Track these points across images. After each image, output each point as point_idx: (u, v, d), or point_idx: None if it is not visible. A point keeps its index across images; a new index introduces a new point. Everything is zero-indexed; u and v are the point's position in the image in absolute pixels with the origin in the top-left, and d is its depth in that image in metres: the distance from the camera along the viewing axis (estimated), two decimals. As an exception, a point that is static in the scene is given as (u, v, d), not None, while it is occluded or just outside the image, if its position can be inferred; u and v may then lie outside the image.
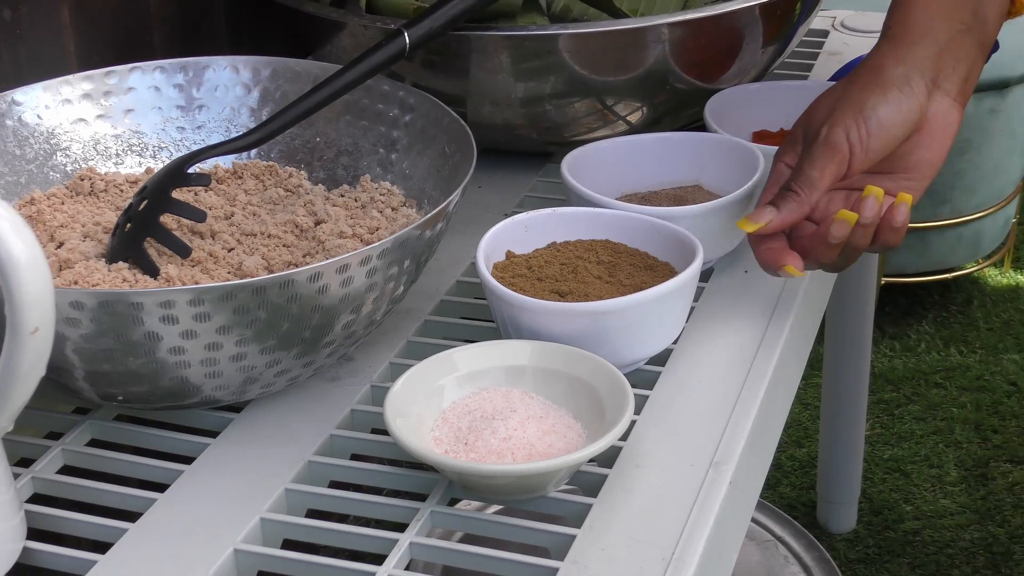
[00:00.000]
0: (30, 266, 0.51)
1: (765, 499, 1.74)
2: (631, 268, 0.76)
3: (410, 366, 0.69)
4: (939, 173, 0.77)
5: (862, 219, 0.73)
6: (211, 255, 0.75)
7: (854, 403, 1.58)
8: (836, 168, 0.74)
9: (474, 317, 0.82)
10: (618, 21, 0.87)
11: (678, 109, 0.95)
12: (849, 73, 0.77)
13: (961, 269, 2.22)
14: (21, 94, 0.83)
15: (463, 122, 0.79)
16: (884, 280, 2.13)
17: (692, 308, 0.81)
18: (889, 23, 0.76)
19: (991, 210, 2.13)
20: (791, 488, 1.81)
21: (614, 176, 0.87)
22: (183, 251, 0.74)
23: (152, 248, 0.74)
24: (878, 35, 1.19)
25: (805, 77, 1.11)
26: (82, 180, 0.82)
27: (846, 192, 0.76)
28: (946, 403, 2.01)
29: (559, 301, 0.72)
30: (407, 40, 0.82)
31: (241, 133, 0.82)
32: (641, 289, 0.72)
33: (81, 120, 0.85)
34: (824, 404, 1.61)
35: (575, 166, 0.85)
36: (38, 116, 0.84)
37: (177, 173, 0.76)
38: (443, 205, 0.71)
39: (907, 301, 2.26)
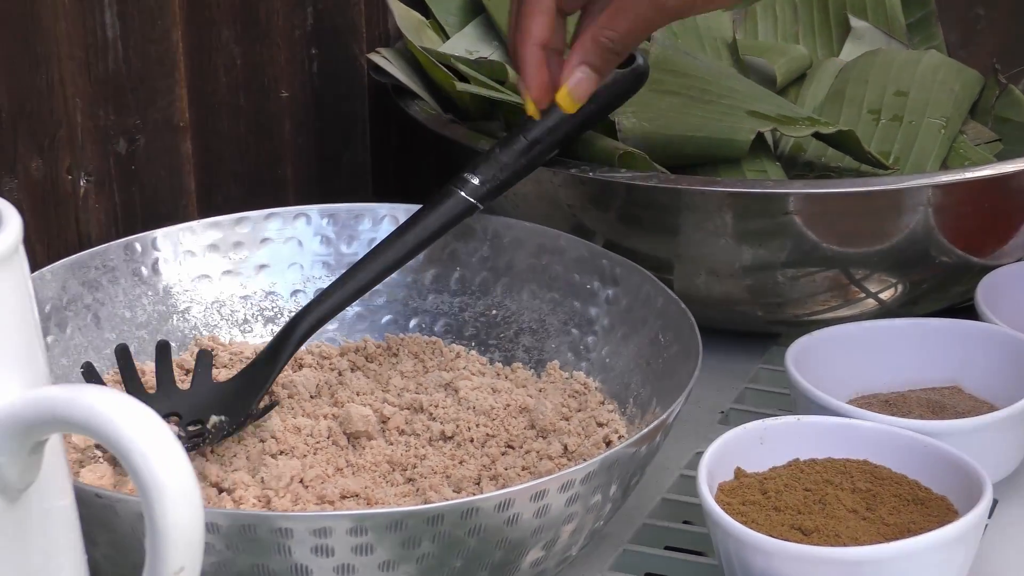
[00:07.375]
0: (181, 496, 0.52)
1: None
2: (895, 501, 0.75)
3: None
4: None
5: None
6: (390, 460, 0.76)
7: None
8: None
9: (682, 548, 0.81)
10: (872, 180, 0.88)
11: (943, 287, 0.95)
12: None
13: None
14: (137, 243, 0.86)
15: (683, 305, 0.80)
16: None
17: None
18: None
19: None
20: None
21: (849, 370, 0.87)
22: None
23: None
24: None
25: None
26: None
27: None
28: None
29: (802, 542, 0.71)
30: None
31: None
32: (911, 532, 0.72)
33: (204, 277, 0.88)
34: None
35: (804, 356, 0.85)
36: (153, 270, 0.86)
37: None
38: (663, 416, 0.71)
39: None
